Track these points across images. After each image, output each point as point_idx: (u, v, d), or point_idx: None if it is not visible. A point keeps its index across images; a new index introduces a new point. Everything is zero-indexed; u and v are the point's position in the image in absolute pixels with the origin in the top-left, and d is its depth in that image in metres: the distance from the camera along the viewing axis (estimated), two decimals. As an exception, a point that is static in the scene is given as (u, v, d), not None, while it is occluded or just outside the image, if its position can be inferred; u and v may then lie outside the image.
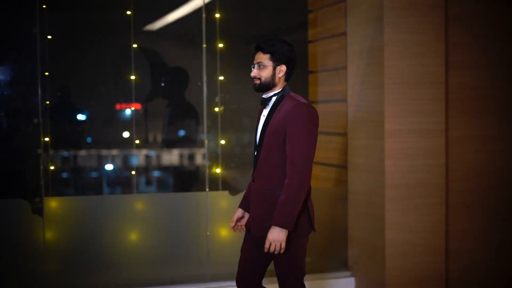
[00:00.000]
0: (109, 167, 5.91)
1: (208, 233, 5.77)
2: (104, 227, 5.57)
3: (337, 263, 6.04)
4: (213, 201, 5.83)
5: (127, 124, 5.90)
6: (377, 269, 5.52)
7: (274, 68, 3.61)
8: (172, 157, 6.16)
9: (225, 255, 5.84)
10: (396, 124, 5.41)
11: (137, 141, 5.90)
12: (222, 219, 5.82)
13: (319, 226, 6.07)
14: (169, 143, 6.17)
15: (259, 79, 3.63)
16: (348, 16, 5.87)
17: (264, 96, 3.71)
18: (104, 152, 5.97)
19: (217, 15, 5.89)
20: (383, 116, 5.38)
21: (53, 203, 5.55)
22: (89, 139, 5.89)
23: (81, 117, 5.80)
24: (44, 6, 5.54)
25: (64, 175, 5.87)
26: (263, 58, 3.61)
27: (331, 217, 6.08)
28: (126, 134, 5.89)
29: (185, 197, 5.88)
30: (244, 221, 3.95)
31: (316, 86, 6.29)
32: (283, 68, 3.61)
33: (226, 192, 5.93)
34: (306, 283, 4.09)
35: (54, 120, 5.64)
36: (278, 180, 3.58)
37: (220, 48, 5.91)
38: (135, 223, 5.65)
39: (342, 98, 5.96)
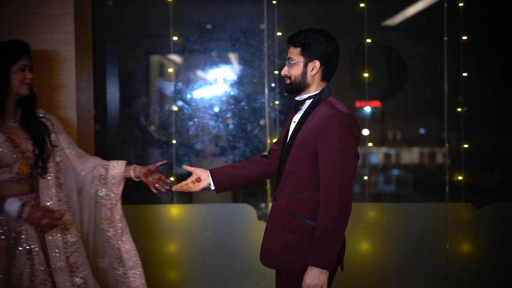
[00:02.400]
0: None
1: (447, 247, 5.22)
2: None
3: None
4: (454, 213, 5.28)
5: (365, 121, 5.48)
6: None
7: (306, 65, 2.98)
8: (411, 155, 5.62)
9: (464, 272, 5.24)
10: None
11: (371, 140, 5.52)
12: (463, 233, 5.28)
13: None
14: (409, 141, 5.63)
15: (290, 78, 3.02)
16: None
17: (297, 98, 3.07)
18: None
19: (461, 4, 5.29)
20: None
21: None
22: None
23: None
24: (274, 2, 5.29)
25: None
26: (293, 53, 3.01)
27: None
28: (365, 132, 5.48)
29: (422, 207, 5.35)
30: (196, 187, 3.25)
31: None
32: (316, 65, 2.97)
33: (469, 204, 5.32)
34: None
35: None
36: (303, 203, 2.93)
37: (464, 40, 5.29)
38: (367, 232, 5.28)
39: None
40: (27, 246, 3.16)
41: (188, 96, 5.45)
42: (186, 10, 5.41)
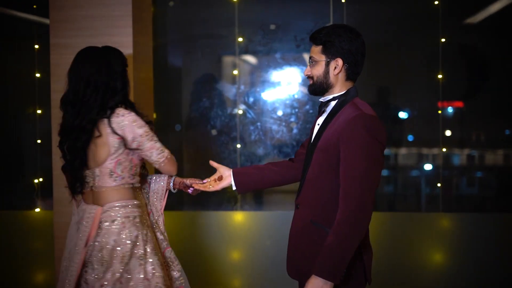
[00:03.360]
0: (428, 166, 5.34)
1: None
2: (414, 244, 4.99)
3: None
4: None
5: (448, 122, 5.22)
6: None
7: (328, 64, 2.77)
8: (496, 157, 5.33)
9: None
10: None
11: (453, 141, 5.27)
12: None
13: None
14: (491, 143, 5.34)
15: (312, 78, 2.84)
16: None
17: (321, 99, 2.88)
18: (425, 150, 5.34)
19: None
20: None
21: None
22: (410, 137, 5.31)
23: (403, 115, 5.29)
24: (343, 0, 5.05)
25: (384, 173, 5.42)
26: (315, 51, 2.82)
27: None
28: (448, 133, 5.23)
29: (500, 218, 5.08)
30: (216, 186, 3.19)
31: None
32: (339, 63, 2.76)
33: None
34: None
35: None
36: (327, 211, 2.72)
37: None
38: (440, 244, 5.03)
39: None
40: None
41: (251, 99, 5.29)
42: (249, 10, 5.26)
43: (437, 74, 5.12)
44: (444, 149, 5.20)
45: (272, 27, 5.23)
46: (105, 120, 3.07)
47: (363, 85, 5.06)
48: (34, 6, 5.43)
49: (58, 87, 4.46)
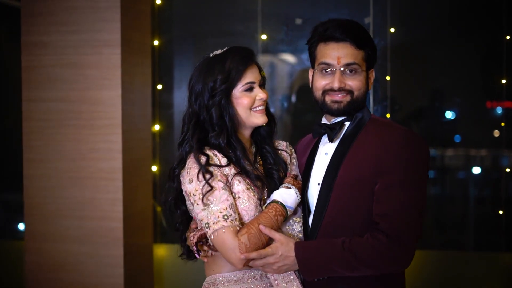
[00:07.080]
0: (476, 170, 4.97)
1: None
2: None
3: None
4: None
5: (497, 123, 4.71)
6: None
7: (367, 75, 2.17)
8: None
9: None
10: None
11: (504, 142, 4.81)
12: None
13: None
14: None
15: (350, 92, 2.13)
16: None
17: (325, 121, 2.21)
18: (473, 152, 4.93)
19: None
20: None
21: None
22: (457, 138, 4.88)
23: (449, 115, 4.87)
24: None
25: (431, 174, 5.03)
26: (356, 55, 2.12)
27: None
28: (496, 134, 4.78)
29: None
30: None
31: None
32: (374, 75, 2.24)
33: None
34: None
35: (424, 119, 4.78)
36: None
37: None
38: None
39: None
40: None
41: (272, 109, 4.56)
42: (272, 2, 4.63)
43: (500, 74, 4.56)
44: (492, 150, 4.81)
45: (298, 21, 4.60)
46: None
47: (414, 85, 4.68)
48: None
49: (32, 95, 3.71)
